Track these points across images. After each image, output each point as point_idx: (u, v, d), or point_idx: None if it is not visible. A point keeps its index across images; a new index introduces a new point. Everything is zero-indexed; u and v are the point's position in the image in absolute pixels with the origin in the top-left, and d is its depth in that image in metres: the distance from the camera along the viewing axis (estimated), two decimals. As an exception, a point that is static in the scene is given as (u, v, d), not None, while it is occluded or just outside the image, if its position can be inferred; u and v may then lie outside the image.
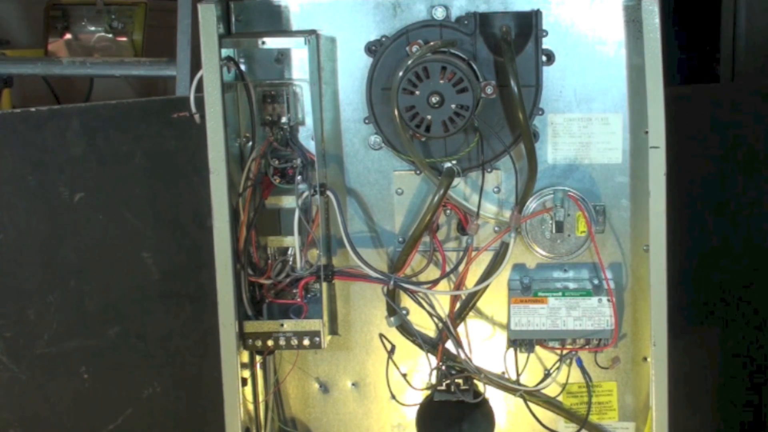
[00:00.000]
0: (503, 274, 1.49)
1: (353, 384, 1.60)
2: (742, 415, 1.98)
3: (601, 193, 1.46)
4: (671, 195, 1.38)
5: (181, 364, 1.75)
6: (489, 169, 1.45)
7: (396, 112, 1.33)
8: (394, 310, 1.49)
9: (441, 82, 1.32)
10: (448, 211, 1.48)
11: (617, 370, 1.53)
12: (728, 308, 1.92)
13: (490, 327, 1.54)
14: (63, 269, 1.64)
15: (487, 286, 1.47)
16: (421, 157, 1.42)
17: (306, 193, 1.44)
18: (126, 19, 2.38)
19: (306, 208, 1.45)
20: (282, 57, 1.45)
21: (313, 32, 1.42)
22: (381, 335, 1.52)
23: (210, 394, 1.55)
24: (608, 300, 1.44)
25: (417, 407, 1.55)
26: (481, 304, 1.51)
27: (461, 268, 1.47)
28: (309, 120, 1.45)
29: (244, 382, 1.48)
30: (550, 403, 1.53)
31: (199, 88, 1.39)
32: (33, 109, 1.59)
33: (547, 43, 1.40)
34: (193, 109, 1.41)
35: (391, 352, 1.52)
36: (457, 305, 1.50)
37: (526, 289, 1.47)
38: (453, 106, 1.32)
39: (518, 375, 1.50)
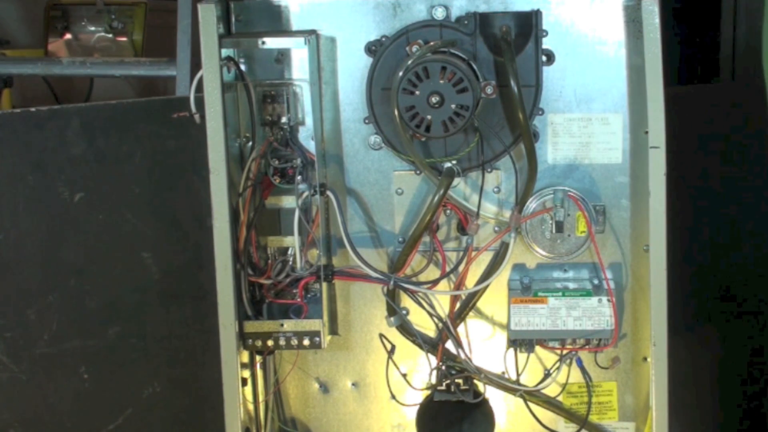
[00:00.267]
0: (503, 274, 1.49)
1: (353, 384, 1.60)
2: (742, 415, 1.98)
3: (601, 193, 1.46)
4: (671, 195, 1.38)
5: (181, 364, 1.75)
6: (489, 169, 1.45)
7: (396, 112, 1.33)
8: (394, 310, 1.49)
9: (441, 82, 1.32)
10: (448, 211, 1.48)
11: (617, 370, 1.53)
12: (728, 308, 1.92)
13: (490, 327, 1.54)
14: (63, 269, 1.64)
15: (487, 286, 1.47)
16: (421, 157, 1.42)
17: (306, 193, 1.44)
18: (126, 19, 2.38)
19: (306, 208, 1.45)
20: (282, 57, 1.45)
21: (313, 32, 1.42)
22: (381, 335, 1.52)
23: (210, 394, 1.54)
24: (608, 300, 1.44)
25: (417, 407, 1.55)
26: (481, 304, 1.51)
27: (461, 268, 1.47)
28: (309, 120, 1.45)
29: (244, 382, 1.48)
30: (550, 403, 1.53)
31: (199, 88, 1.39)
32: (33, 109, 1.59)
33: (547, 43, 1.40)
34: (193, 109, 1.41)
35: (391, 352, 1.52)
36: (457, 305, 1.50)
37: (526, 289, 1.47)
38: (453, 106, 1.32)
39: (518, 375, 1.50)
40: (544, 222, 1.45)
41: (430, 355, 1.51)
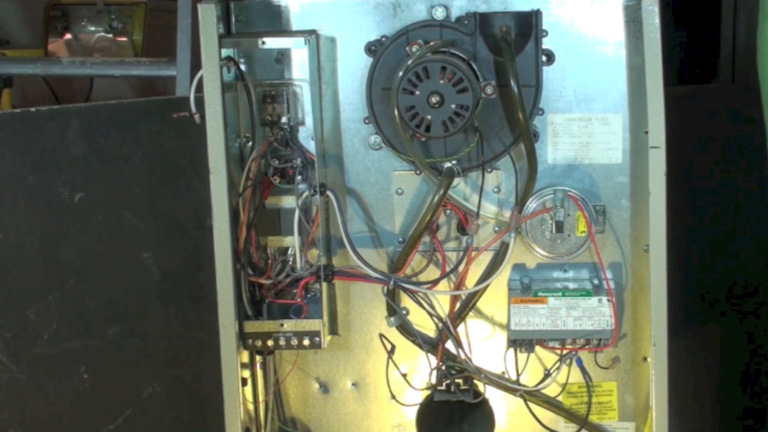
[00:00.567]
0: (503, 274, 1.49)
1: (353, 384, 1.60)
2: (743, 415, 1.98)
3: (601, 193, 1.46)
4: (671, 195, 1.38)
5: (181, 364, 1.75)
6: (489, 169, 1.45)
7: (396, 112, 1.33)
8: (394, 310, 1.49)
9: (441, 82, 1.32)
10: (448, 211, 1.49)
11: (617, 370, 1.53)
12: (728, 308, 1.92)
13: (490, 327, 1.54)
14: (63, 269, 1.64)
15: (487, 286, 1.47)
16: (421, 157, 1.42)
17: (306, 193, 1.44)
18: (126, 19, 2.38)
19: (306, 208, 1.45)
20: (282, 57, 1.45)
21: (313, 32, 1.42)
22: (381, 335, 1.52)
23: (210, 394, 1.54)
24: (608, 300, 1.44)
25: (417, 407, 1.55)
26: (481, 304, 1.51)
27: (461, 268, 1.47)
28: (309, 120, 1.45)
29: (244, 382, 1.48)
30: (550, 403, 1.53)
31: (199, 88, 1.39)
32: (33, 109, 1.59)
33: (547, 43, 1.40)
34: (193, 109, 1.41)
35: (391, 352, 1.52)
36: (457, 305, 1.50)
37: (526, 289, 1.47)
38: (453, 106, 1.32)
39: (518, 375, 1.50)
40: (544, 222, 1.45)
41: (430, 355, 1.51)
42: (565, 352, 1.48)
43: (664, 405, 1.43)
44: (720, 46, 2.25)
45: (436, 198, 1.39)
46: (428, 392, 1.53)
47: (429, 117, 1.33)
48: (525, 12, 1.39)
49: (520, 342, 1.47)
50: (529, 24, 1.38)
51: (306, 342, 1.46)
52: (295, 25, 1.44)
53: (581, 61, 1.41)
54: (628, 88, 1.42)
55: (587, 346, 1.47)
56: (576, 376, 1.52)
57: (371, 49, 1.43)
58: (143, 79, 2.49)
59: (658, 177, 1.37)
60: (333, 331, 1.55)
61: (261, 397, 1.54)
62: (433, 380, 1.51)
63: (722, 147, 1.85)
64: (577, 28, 1.40)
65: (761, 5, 1.40)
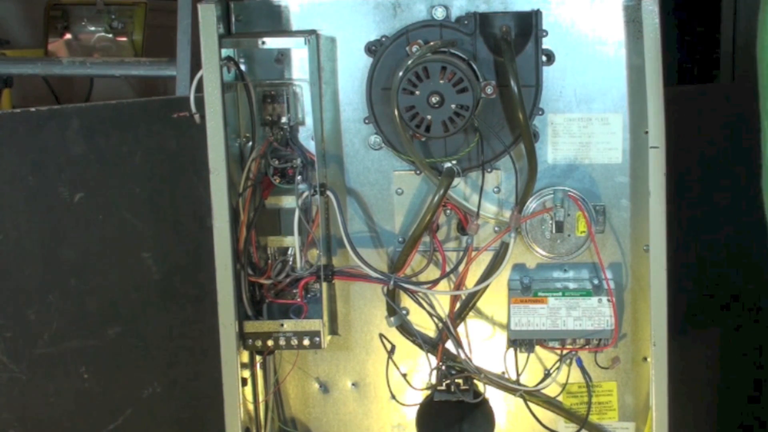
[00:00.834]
0: (503, 274, 1.49)
1: (353, 384, 1.60)
2: (742, 415, 1.98)
3: (601, 193, 1.46)
4: (671, 195, 1.38)
5: (181, 364, 1.75)
6: (489, 169, 1.45)
7: (396, 112, 1.33)
8: (394, 310, 1.49)
9: (441, 82, 1.32)
10: (448, 211, 1.48)
11: (617, 370, 1.53)
12: (728, 308, 1.92)
13: (490, 327, 1.54)
14: (63, 269, 1.64)
15: (487, 286, 1.47)
16: (421, 157, 1.42)
17: (306, 193, 1.44)
18: (126, 19, 2.38)
19: (306, 208, 1.45)
20: (282, 57, 1.45)
21: (313, 32, 1.42)
22: (381, 335, 1.52)
23: (210, 394, 1.54)
24: (608, 300, 1.44)
25: (417, 407, 1.55)
26: (481, 304, 1.51)
27: (461, 268, 1.47)
28: (309, 120, 1.45)
29: (244, 382, 1.48)
30: (550, 403, 1.53)
31: (199, 88, 1.39)
32: (33, 109, 1.59)
33: (547, 43, 1.40)
34: (193, 109, 1.41)
35: (391, 352, 1.52)
36: (457, 305, 1.50)
37: (526, 289, 1.47)
38: (453, 106, 1.32)
39: (518, 375, 1.50)
40: (544, 222, 1.45)
41: (430, 355, 1.51)
42: (565, 352, 1.48)
43: (664, 405, 1.43)
44: (720, 46, 2.25)
45: (436, 198, 1.39)
46: (428, 392, 1.53)
47: (429, 117, 1.33)
48: (525, 12, 1.39)
49: (520, 342, 1.47)
50: (529, 24, 1.38)
51: (306, 342, 1.46)
52: (295, 25, 1.44)
53: (581, 61, 1.41)
54: (628, 88, 1.42)
55: (587, 346, 1.47)
56: (576, 376, 1.52)
57: (371, 49, 1.43)
58: (143, 79, 2.49)
59: (658, 177, 1.37)
60: (333, 331, 1.55)
61: (261, 397, 1.54)
62: (433, 380, 1.51)
63: (722, 147, 1.85)
64: (577, 28, 1.40)
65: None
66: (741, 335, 1.93)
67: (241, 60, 1.44)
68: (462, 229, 1.48)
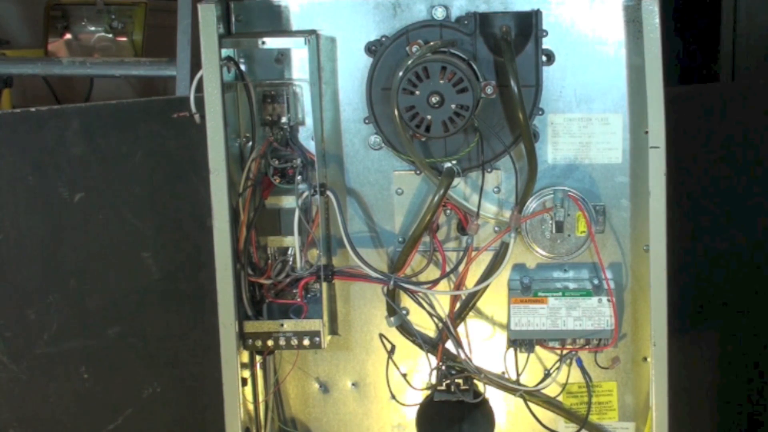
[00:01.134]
0: (503, 274, 1.49)
1: (353, 384, 1.60)
2: (742, 415, 1.98)
3: (601, 193, 1.46)
4: (671, 195, 1.38)
5: (181, 364, 1.75)
6: (489, 169, 1.45)
7: (396, 112, 1.33)
8: (394, 310, 1.49)
9: (441, 82, 1.32)
10: (448, 211, 1.48)
11: (617, 370, 1.53)
12: (728, 308, 1.92)
13: (490, 327, 1.54)
14: (63, 269, 1.64)
15: (487, 286, 1.47)
16: (421, 157, 1.42)
17: (306, 193, 1.44)
18: (126, 19, 2.38)
19: (306, 208, 1.45)
20: (282, 57, 1.45)
21: (313, 32, 1.42)
22: (381, 335, 1.52)
23: (210, 394, 1.55)
24: (608, 300, 1.44)
25: (417, 407, 1.55)
26: (481, 304, 1.51)
27: (461, 268, 1.47)
28: (309, 120, 1.45)
29: (244, 382, 1.48)
30: (550, 403, 1.53)
31: (199, 88, 1.39)
32: (33, 109, 1.59)
33: (547, 43, 1.40)
34: (193, 109, 1.41)
35: (391, 352, 1.52)
36: (457, 305, 1.50)
37: (526, 289, 1.47)
38: (453, 106, 1.32)
39: (518, 375, 1.50)
40: (544, 222, 1.45)
41: (430, 355, 1.51)
42: (565, 352, 1.48)
43: (664, 405, 1.43)
44: (720, 46, 2.26)
45: (436, 198, 1.39)
46: (428, 392, 1.53)
47: (429, 117, 1.33)
48: (525, 12, 1.38)
49: (520, 342, 1.47)
50: (529, 24, 1.38)
51: (306, 342, 1.46)
52: (295, 25, 1.44)
53: (581, 61, 1.41)
54: (628, 88, 1.42)
55: (587, 346, 1.47)
56: (576, 376, 1.51)
57: (371, 49, 1.43)
58: (143, 79, 2.49)
59: (658, 177, 1.36)
60: (333, 331, 1.55)
61: (261, 397, 1.54)
62: (433, 380, 1.51)
63: (722, 147, 1.85)
64: (577, 28, 1.40)
65: None
66: (741, 335, 1.93)
67: (241, 60, 1.44)
68: (462, 229, 1.48)
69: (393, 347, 1.52)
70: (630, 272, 1.49)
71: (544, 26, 1.39)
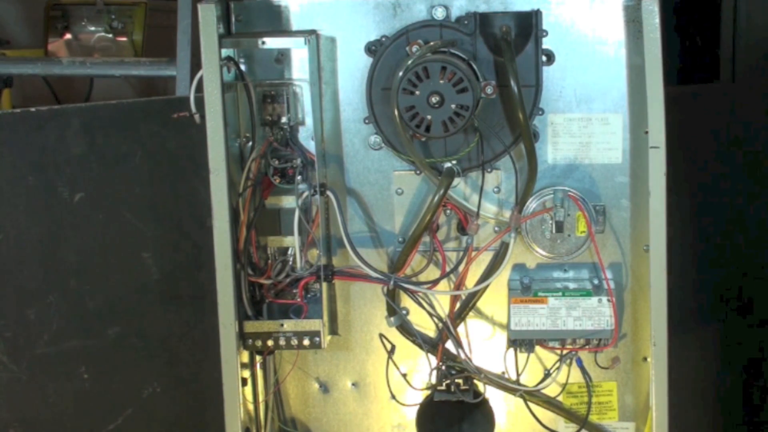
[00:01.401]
0: (503, 274, 1.49)
1: (353, 384, 1.60)
2: (742, 415, 1.98)
3: (601, 193, 1.46)
4: (671, 195, 1.38)
5: (181, 364, 1.75)
6: (489, 169, 1.45)
7: (396, 112, 1.33)
8: (394, 310, 1.49)
9: (441, 82, 1.32)
10: (448, 211, 1.48)
11: (617, 370, 1.53)
12: (728, 308, 1.92)
13: (490, 327, 1.54)
14: (63, 269, 1.64)
15: (487, 286, 1.47)
16: (421, 157, 1.42)
17: (306, 193, 1.44)
18: (126, 19, 2.38)
19: (306, 208, 1.45)
20: (282, 57, 1.45)
21: (313, 32, 1.42)
22: (381, 335, 1.52)
23: (210, 394, 1.55)
24: (608, 300, 1.44)
25: (417, 407, 1.55)
26: (481, 304, 1.51)
27: (461, 268, 1.47)
28: (309, 120, 1.45)
29: (244, 382, 1.48)
30: (550, 403, 1.53)
31: (199, 88, 1.39)
32: (33, 109, 1.59)
33: (547, 43, 1.40)
34: (193, 109, 1.41)
35: (391, 352, 1.52)
36: (457, 305, 1.50)
37: (526, 289, 1.47)
38: (453, 106, 1.32)
39: (518, 375, 1.50)
40: (544, 222, 1.45)
41: (430, 355, 1.51)
42: (565, 352, 1.48)
43: (664, 405, 1.43)
44: (720, 46, 2.25)
45: (436, 198, 1.39)
46: (428, 392, 1.53)
47: (429, 117, 1.33)
48: (525, 12, 1.39)
49: (520, 342, 1.47)
50: (529, 24, 1.38)
51: (306, 342, 1.46)
52: (295, 25, 1.44)
53: (581, 61, 1.41)
54: (628, 88, 1.42)
55: (587, 346, 1.47)
56: (576, 376, 1.51)
57: (371, 49, 1.43)
58: (143, 79, 2.49)
59: (658, 177, 1.36)
60: (333, 331, 1.55)
61: (261, 397, 1.54)
62: (433, 380, 1.51)
63: (722, 147, 1.85)
64: (577, 28, 1.40)
65: None
66: (741, 335, 1.93)
67: (241, 60, 1.44)
68: (462, 229, 1.48)
69: (393, 347, 1.52)
70: (630, 272, 1.49)
71: (544, 26, 1.39)
